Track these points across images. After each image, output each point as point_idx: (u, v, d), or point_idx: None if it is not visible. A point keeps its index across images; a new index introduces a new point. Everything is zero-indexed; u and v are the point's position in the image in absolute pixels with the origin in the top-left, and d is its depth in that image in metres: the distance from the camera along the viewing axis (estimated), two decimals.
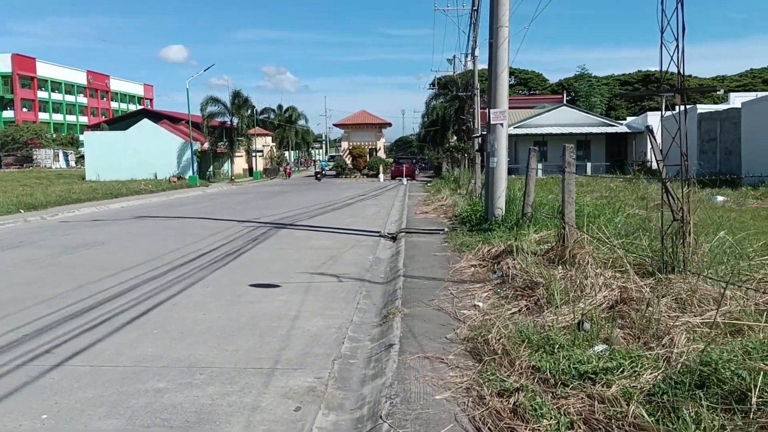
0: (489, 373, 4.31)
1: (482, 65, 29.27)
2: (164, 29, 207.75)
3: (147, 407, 4.30)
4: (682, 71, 5.73)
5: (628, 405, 3.52)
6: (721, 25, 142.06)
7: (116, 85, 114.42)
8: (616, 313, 5.30)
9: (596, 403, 3.64)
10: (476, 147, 23.72)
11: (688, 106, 5.98)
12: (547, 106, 50.83)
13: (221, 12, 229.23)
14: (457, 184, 28.01)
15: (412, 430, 3.62)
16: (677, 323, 4.73)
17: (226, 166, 53.19)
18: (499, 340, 4.88)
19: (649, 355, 4.19)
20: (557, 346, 4.53)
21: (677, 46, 5.61)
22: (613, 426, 3.39)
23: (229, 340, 5.94)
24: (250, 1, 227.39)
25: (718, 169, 28.18)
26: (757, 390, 3.26)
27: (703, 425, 3.17)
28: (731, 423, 3.19)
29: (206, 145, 49.08)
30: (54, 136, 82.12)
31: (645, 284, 5.75)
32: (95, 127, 65.32)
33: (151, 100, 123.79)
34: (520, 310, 5.93)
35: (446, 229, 13.21)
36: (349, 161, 59.26)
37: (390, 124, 68.36)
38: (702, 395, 3.41)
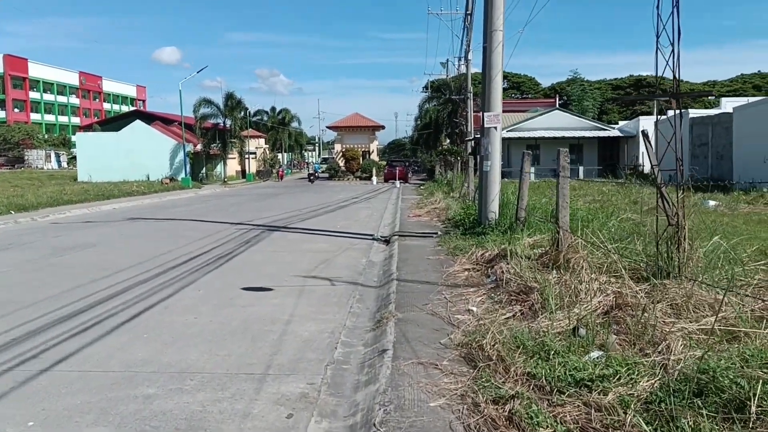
0: (484, 379, 4.26)
1: (475, 69, 29.33)
2: (157, 30, 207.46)
3: (136, 414, 4.22)
4: (677, 76, 5.71)
5: (625, 413, 3.48)
6: (711, 31, 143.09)
7: (109, 86, 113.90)
8: (611, 319, 5.26)
9: (593, 411, 3.59)
10: (469, 150, 23.73)
11: (678, 111, 5.96)
12: (539, 110, 51.03)
13: (215, 14, 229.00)
14: (450, 187, 28.00)
15: None
16: (673, 329, 4.70)
17: (219, 167, 52.99)
18: (493, 345, 4.83)
19: (645, 362, 4.15)
20: (552, 352, 4.48)
21: (673, 50, 5.59)
22: None
23: (221, 344, 5.86)
24: (243, 4, 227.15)
25: (709, 173, 28.31)
26: (757, 399, 3.22)
27: None
28: None
29: (199, 147, 48.87)
30: (46, 136, 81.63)
31: (640, 289, 5.72)
32: (87, 128, 64.95)
33: (143, 101, 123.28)
34: (514, 315, 5.89)
35: (439, 233, 13.17)
36: (342, 164, 59.16)
37: (383, 127, 68.40)
38: (700, 404, 3.37)
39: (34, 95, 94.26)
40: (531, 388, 4.03)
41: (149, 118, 54.29)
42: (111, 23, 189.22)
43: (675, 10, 5.47)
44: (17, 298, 7.82)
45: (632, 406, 3.55)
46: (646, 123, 39.27)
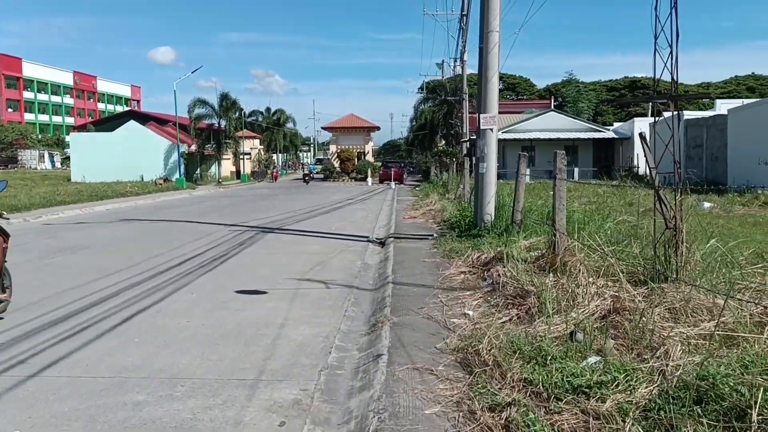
0: (480, 385, 4.19)
1: (471, 70, 29.26)
2: (152, 30, 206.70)
3: (125, 422, 4.13)
4: (675, 78, 5.66)
5: (624, 422, 3.42)
6: (706, 33, 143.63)
7: (103, 86, 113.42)
8: (608, 324, 5.20)
9: (591, 419, 3.53)
10: (465, 151, 23.67)
11: (676, 113, 5.90)
12: (535, 111, 51.04)
13: (210, 14, 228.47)
14: (445, 188, 27.93)
15: None
16: (671, 334, 4.64)
17: (214, 168, 52.79)
18: (489, 350, 4.76)
19: (643, 368, 4.09)
20: (549, 357, 4.42)
21: (671, 52, 5.54)
22: None
23: (213, 348, 5.78)
24: (238, 4, 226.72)
25: (704, 175, 28.32)
26: (758, 407, 3.16)
27: None
28: None
29: (193, 148, 48.67)
30: (39, 136, 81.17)
31: (637, 293, 5.67)
32: (81, 128, 64.74)
33: (138, 101, 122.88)
34: (510, 319, 5.82)
35: (435, 235, 13.11)
36: (337, 164, 59.02)
37: (378, 128, 68.26)
38: (700, 412, 3.31)
39: (27, 95, 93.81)
40: (528, 394, 3.97)
41: (144, 119, 54.13)
42: (106, 23, 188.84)
43: (673, 11, 5.42)
44: None
45: (631, 414, 3.49)
46: (641, 125, 39.28)
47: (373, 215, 20.50)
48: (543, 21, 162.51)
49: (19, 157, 69.06)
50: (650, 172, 6.29)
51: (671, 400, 3.50)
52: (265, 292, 8.22)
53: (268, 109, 71.84)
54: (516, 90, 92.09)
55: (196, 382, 4.85)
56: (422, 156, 60.17)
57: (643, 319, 4.92)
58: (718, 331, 4.47)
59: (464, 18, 24.66)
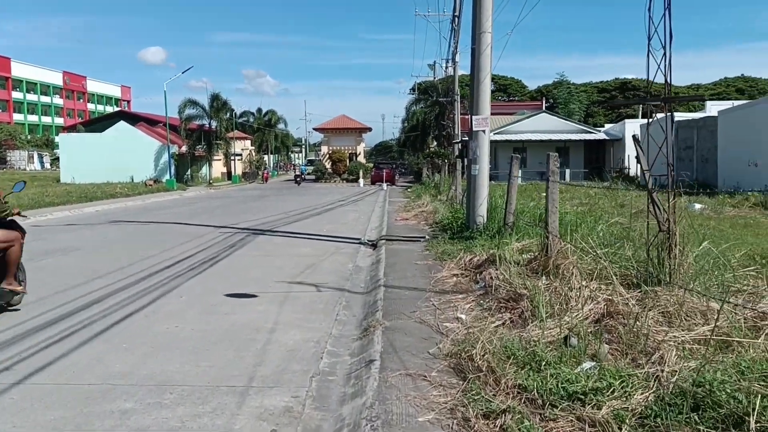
0: (474, 392, 4.13)
1: (463, 71, 29.33)
2: (143, 30, 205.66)
3: (112, 430, 4.04)
4: (669, 79, 5.63)
5: (620, 429, 3.37)
6: (696, 34, 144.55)
7: (93, 86, 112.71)
8: (602, 328, 5.16)
9: (587, 426, 3.48)
10: (457, 153, 23.65)
11: (669, 115, 5.88)
12: (526, 113, 51.16)
13: (200, 14, 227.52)
14: (437, 190, 27.90)
15: None
16: (666, 338, 4.60)
17: (205, 169, 52.56)
18: (483, 356, 4.70)
19: (639, 374, 4.04)
20: (544, 362, 4.37)
21: (664, 53, 5.51)
22: None
23: (203, 354, 5.69)
24: (229, 4, 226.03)
25: (694, 176, 28.44)
26: (755, 414, 3.12)
27: None
28: None
29: (184, 148, 48.44)
30: (29, 137, 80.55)
31: (631, 296, 5.63)
32: (71, 128, 64.25)
33: (128, 101, 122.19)
34: (504, 323, 5.77)
35: (427, 237, 13.05)
36: (328, 166, 58.94)
37: (370, 129, 68.25)
38: (697, 419, 3.27)
39: (17, 95, 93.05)
40: (522, 401, 3.91)
41: (134, 119, 53.82)
42: (96, 23, 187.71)
43: (667, 12, 5.39)
44: None
45: (627, 421, 3.44)
46: (632, 126, 39.44)
47: (364, 217, 20.44)
48: (535, 22, 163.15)
49: (8, 158, 68.50)
50: (643, 174, 6.26)
51: (668, 407, 3.45)
52: (255, 296, 8.13)
53: (259, 110, 71.74)
54: (507, 91, 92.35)
55: (186, 389, 4.76)
56: (414, 157, 60.19)
57: (638, 323, 4.88)
58: (714, 336, 4.44)
59: (456, 19, 24.66)
